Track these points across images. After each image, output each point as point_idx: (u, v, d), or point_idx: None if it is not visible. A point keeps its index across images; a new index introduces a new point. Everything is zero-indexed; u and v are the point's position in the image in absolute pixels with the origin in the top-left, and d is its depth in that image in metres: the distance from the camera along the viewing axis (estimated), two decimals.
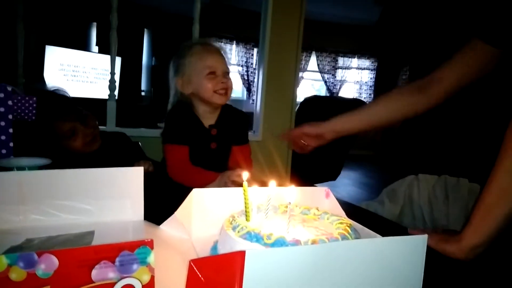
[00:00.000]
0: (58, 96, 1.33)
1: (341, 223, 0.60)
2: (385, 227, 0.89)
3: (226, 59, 1.32)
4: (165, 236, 0.64)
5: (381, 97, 1.29)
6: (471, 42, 0.96)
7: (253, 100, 6.96)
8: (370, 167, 6.35)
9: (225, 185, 1.11)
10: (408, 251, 0.50)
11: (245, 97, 7.09)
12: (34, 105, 0.79)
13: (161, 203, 0.74)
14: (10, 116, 0.75)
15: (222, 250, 0.58)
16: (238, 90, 7.11)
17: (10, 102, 0.75)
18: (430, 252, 0.50)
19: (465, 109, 1.13)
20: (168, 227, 0.65)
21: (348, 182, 5.15)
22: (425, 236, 0.50)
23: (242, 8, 6.14)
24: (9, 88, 0.74)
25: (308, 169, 2.93)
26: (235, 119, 1.38)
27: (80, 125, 1.25)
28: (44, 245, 0.56)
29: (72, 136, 1.24)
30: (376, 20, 1.37)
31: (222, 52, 1.32)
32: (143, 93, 6.08)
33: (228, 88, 1.29)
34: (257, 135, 2.42)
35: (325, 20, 6.63)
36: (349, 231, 0.57)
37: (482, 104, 1.12)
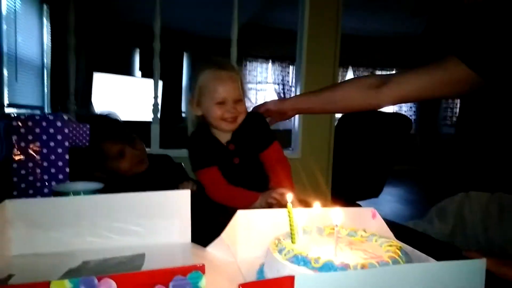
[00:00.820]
0: (108, 119, 1.39)
1: (390, 245, 0.58)
2: (436, 248, 0.85)
3: (239, 84, 1.28)
4: (211, 258, 0.64)
5: (344, 83, 1.27)
6: (448, 57, 0.92)
7: None
8: (412, 183, 6.11)
9: (267, 205, 1.11)
10: (465, 276, 0.47)
11: None
12: (88, 132, 0.84)
13: (206, 224, 0.75)
14: (66, 143, 0.80)
15: (269, 273, 0.57)
16: None
17: (66, 130, 0.80)
18: (489, 277, 0.47)
19: None
20: (214, 249, 0.66)
21: (391, 198, 4.97)
22: (484, 260, 0.47)
23: (276, 27, 6.23)
24: (66, 117, 0.80)
25: (349, 186, 2.87)
26: (250, 125, 1.32)
27: (128, 147, 1.30)
28: (99, 267, 0.58)
29: (120, 157, 1.29)
30: (422, 30, 1.34)
31: (235, 76, 1.28)
32: (183, 115, 6.27)
33: (238, 115, 1.26)
34: (296, 152, 2.41)
35: (360, 34, 6.58)
36: (400, 254, 0.55)
37: None
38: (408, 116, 4.45)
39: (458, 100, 6.70)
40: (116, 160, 1.28)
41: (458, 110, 6.89)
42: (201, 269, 0.40)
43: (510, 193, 1.05)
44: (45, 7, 3.35)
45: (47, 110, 3.38)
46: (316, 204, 0.62)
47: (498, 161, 1.15)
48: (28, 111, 3.08)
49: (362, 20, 5.81)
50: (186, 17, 4.95)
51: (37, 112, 3.27)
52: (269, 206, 1.11)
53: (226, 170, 1.27)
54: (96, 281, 0.38)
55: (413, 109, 7.79)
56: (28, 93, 3.19)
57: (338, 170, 2.63)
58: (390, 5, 4.93)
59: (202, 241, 0.68)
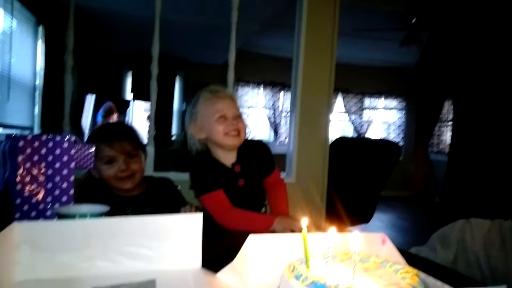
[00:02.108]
0: (124, 125, 1.40)
1: (406, 272, 0.58)
2: (443, 275, 0.85)
3: (236, 104, 1.35)
4: (223, 286, 0.63)
5: None
6: None
7: (280, 141, 7.01)
8: (402, 209, 6.13)
9: (285, 230, 1.11)
10: None
11: (272, 139, 7.15)
12: (92, 153, 0.83)
13: (216, 248, 0.73)
14: (72, 165, 0.78)
15: None
16: (265, 133, 7.20)
17: (72, 152, 0.78)
18: None
19: None
20: (225, 275, 0.65)
21: (382, 225, 4.96)
22: (504, 287, 0.47)
23: (268, 54, 6.35)
24: (73, 139, 0.78)
25: (342, 212, 2.87)
26: (255, 151, 1.39)
27: (121, 158, 1.25)
28: None
29: (108, 163, 1.25)
30: (418, 59, 1.38)
31: (232, 97, 1.36)
32: (173, 137, 6.24)
33: (240, 130, 1.30)
34: (291, 177, 2.41)
35: (349, 62, 6.74)
36: (418, 281, 0.55)
37: None
38: (395, 143, 4.51)
39: (445, 128, 6.86)
40: (103, 164, 1.24)
41: (446, 137, 7.03)
42: None
43: (509, 219, 1.06)
44: (40, 27, 3.36)
45: (36, 130, 3.33)
46: (332, 229, 0.62)
47: (495, 187, 1.17)
48: (18, 131, 3.03)
49: (352, 49, 5.96)
50: (180, 41, 5.01)
51: (27, 132, 3.22)
52: (285, 230, 1.11)
53: (230, 193, 1.26)
54: None
55: (401, 135, 7.92)
56: (18, 114, 3.15)
57: (331, 196, 2.63)
58: (380, 35, 5.09)
59: (213, 266, 0.66)
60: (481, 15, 1.25)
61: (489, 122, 1.16)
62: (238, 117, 1.32)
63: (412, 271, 0.59)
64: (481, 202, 1.14)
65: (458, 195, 1.22)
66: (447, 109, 6.18)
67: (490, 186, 1.13)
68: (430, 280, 0.60)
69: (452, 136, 1.36)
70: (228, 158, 1.32)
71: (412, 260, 0.75)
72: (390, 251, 0.73)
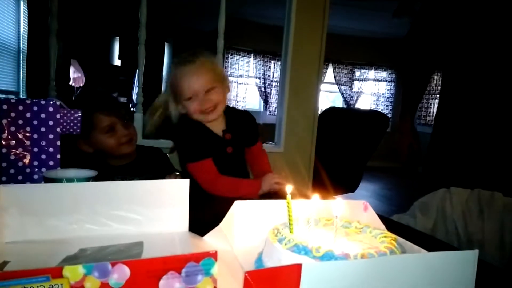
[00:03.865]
0: (106, 93, 1.38)
1: (385, 236, 0.60)
2: (421, 241, 0.88)
3: (209, 73, 1.27)
4: (209, 247, 0.65)
5: None
6: None
7: (270, 111, 6.99)
8: (387, 179, 6.27)
9: (271, 190, 1.14)
10: (458, 265, 0.50)
11: (262, 109, 7.13)
12: (79, 118, 0.82)
13: (203, 213, 0.75)
14: (58, 129, 0.78)
15: (269, 262, 0.58)
16: (255, 102, 7.17)
17: (58, 116, 0.78)
18: (481, 267, 0.50)
19: (499, 121, 1.12)
20: (211, 238, 0.67)
21: (367, 194, 5.09)
22: (476, 251, 0.50)
23: (259, 22, 6.23)
24: (58, 103, 0.78)
25: (327, 181, 2.92)
26: (243, 120, 1.41)
27: (119, 125, 1.26)
28: (97, 255, 0.58)
29: (109, 132, 1.24)
30: (406, 33, 1.37)
31: (203, 67, 1.28)
32: None
33: (216, 103, 1.27)
34: (279, 146, 2.43)
35: (341, 33, 6.66)
36: (395, 245, 0.57)
37: None
38: (384, 114, 4.55)
39: (433, 100, 6.90)
40: (104, 134, 1.24)
41: (433, 109, 7.09)
42: (213, 256, 0.40)
43: (488, 189, 1.10)
44: None
45: (22, 95, 3.26)
46: (315, 196, 0.64)
47: (476, 158, 1.20)
48: (2, 96, 2.96)
49: (344, 19, 5.87)
50: (169, 6, 4.86)
51: (12, 97, 3.15)
52: (273, 191, 1.13)
53: (218, 160, 1.28)
54: (110, 266, 0.37)
55: (389, 107, 7.97)
56: (3, 78, 3.07)
57: (318, 166, 2.67)
58: (373, 5, 5.01)
59: (199, 231, 0.68)
60: None
61: (474, 95, 1.18)
62: (211, 89, 1.26)
63: (391, 236, 0.61)
64: (462, 172, 1.18)
65: (440, 165, 1.25)
66: (436, 82, 6.21)
67: (471, 157, 1.17)
68: (408, 244, 0.63)
69: (438, 108, 1.38)
70: (218, 126, 1.33)
71: (392, 226, 0.78)
72: (371, 217, 0.76)
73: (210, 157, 1.27)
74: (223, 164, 1.28)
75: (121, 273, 0.38)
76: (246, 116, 1.44)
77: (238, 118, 1.39)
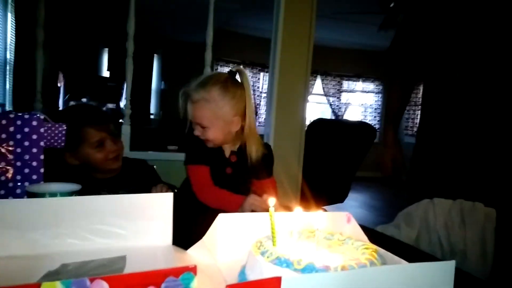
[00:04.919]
0: (96, 108, 1.37)
1: (366, 248, 0.61)
2: (404, 252, 0.90)
3: (204, 111, 1.23)
4: (192, 261, 0.65)
5: None
6: None
7: (259, 122, 7.03)
8: (376, 190, 6.32)
9: (249, 209, 1.12)
10: (436, 276, 0.51)
11: None
12: (64, 132, 0.82)
13: (187, 226, 0.75)
14: (42, 143, 0.78)
15: (251, 275, 0.59)
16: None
17: (41, 130, 0.78)
18: (458, 278, 0.51)
19: (480, 133, 1.15)
20: (195, 252, 0.67)
21: (355, 204, 5.12)
22: (453, 262, 0.51)
23: (248, 34, 6.29)
24: (42, 117, 0.77)
25: (316, 192, 2.93)
26: (259, 152, 1.32)
27: (109, 140, 1.27)
28: (79, 270, 0.57)
29: (98, 147, 1.25)
30: (391, 43, 1.40)
31: (202, 101, 1.23)
32: (152, 116, 6.16)
33: (208, 139, 1.25)
34: None
35: (329, 45, 6.76)
36: (376, 256, 0.58)
37: (499, 128, 1.13)
38: (372, 125, 4.61)
39: (419, 111, 7.02)
40: (93, 148, 1.24)
41: (418, 120, 7.20)
42: (193, 270, 0.40)
43: (470, 200, 1.12)
44: (9, 0, 3.21)
45: (8, 107, 3.23)
46: (297, 208, 0.65)
47: (458, 169, 1.22)
48: None
49: (331, 32, 5.97)
50: (158, 18, 4.89)
51: None
52: (252, 210, 1.12)
53: (216, 176, 1.28)
54: (88, 282, 0.38)
55: (377, 118, 8.07)
56: None
57: (307, 177, 2.69)
58: (359, 18, 5.10)
59: (183, 244, 0.68)
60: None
61: (456, 107, 1.21)
62: (203, 125, 1.24)
63: (372, 247, 0.62)
64: (444, 183, 1.20)
65: (423, 176, 1.27)
66: (422, 93, 6.32)
67: (453, 168, 1.19)
68: (389, 255, 0.64)
69: (420, 119, 1.41)
70: (229, 145, 1.32)
71: (376, 238, 0.79)
72: (354, 229, 0.77)
73: (206, 165, 1.27)
74: (221, 183, 1.27)
75: None
76: (264, 148, 1.36)
77: (253, 146, 1.31)
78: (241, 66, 1.40)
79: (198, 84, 1.25)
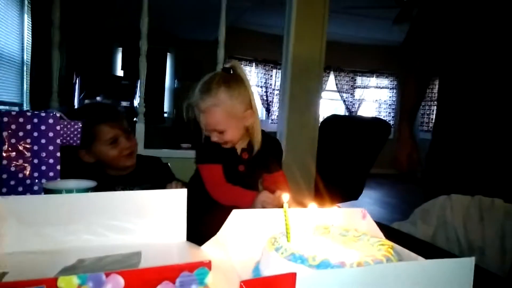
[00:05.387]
0: (111, 105, 1.38)
1: (382, 244, 0.60)
2: (421, 248, 0.88)
3: (220, 113, 1.23)
4: (206, 257, 0.65)
5: None
6: None
7: (272, 119, 7.01)
8: (390, 186, 6.25)
9: (261, 205, 1.12)
10: (455, 273, 0.50)
11: (264, 117, 7.15)
12: (79, 129, 0.83)
13: (201, 223, 0.75)
14: (58, 141, 0.79)
15: (266, 271, 0.58)
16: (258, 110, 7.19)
17: (58, 128, 0.79)
18: (477, 275, 0.50)
19: (498, 128, 1.12)
20: (209, 248, 0.67)
21: (370, 201, 5.07)
22: (473, 258, 0.50)
23: (260, 31, 6.28)
24: (58, 114, 0.79)
25: (330, 189, 2.92)
26: (268, 146, 1.36)
27: (122, 137, 1.28)
28: (95, 266, 0.58)
29: (112, 143, 1.26)
30: (405, 37, 1.38)
31: (214, 105, 1.22)
32: (165, 115, 6.21)
33: (226, 141, 1.26)
34: None
35: (342, 41, 6.69)
36: (392, 253, 0.57)
37: None
38: (386, 121, 4.55)
39: (435, 107, 6.90)
40: (107, 145, 1.26)
41: (434, 116, 7.09)
42: (207, 265, 0.40)
43: (489, 196, 1.10)
44: (26, 2, 3.27)
45: (26, 107, 3.29)
46: (312, 204, 0.64)
47: (476, 165, 1.20)
48: (6, 107, 2.99)
49: (345, 27, 5.91)
50: (171, 17, 4.92)
51: (16, 109, 3.18)
52: (263, 207, 1.12)
53: (228, 174, 1.28)
54: (104, 277, 0.38)
55: (391, 114, 7.96)
56: (7, 90, 3.10)
57: (320, 174, 2.67)
58: (373, 13, 5.04)
59: (197, 240, 0.68)
60: None
61: (472, 101, 1.18)
62: (219, 130, 1.24)
63: (388, 243, 0.61)
64: (462, 179, 1.17)
65: (440, 172, 1.25)
66: (438, 88, 6.21)
67: (471, 163, 1.16)
68: (405, 252, 0.63)
69: (436, 115, 1.38)
70: (240, 143, 1.33)
71: (392, 234, 0.78)
72: (369, 225, 0.75)
73: (219, 163, 1.27)
74: (233, 181, 1.28)
75: (115, 283, 0.38)
76: (272, 142, 1.41)
77: (263, 142, 1.34)
78: (233, 60, 1.39)
79: (201, 92, 1.24)
